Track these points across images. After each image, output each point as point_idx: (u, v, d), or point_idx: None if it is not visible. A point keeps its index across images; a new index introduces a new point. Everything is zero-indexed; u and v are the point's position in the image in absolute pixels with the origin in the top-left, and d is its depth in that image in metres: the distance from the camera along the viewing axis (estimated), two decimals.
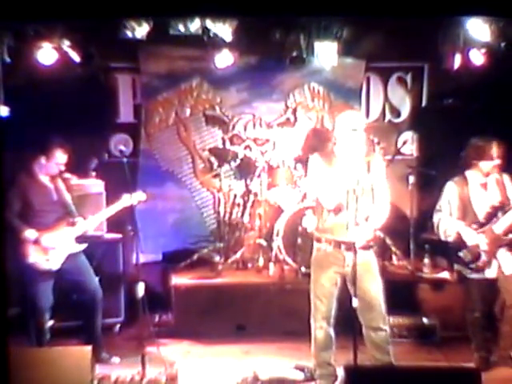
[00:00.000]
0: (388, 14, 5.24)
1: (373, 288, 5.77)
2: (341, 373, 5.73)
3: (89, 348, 5.68)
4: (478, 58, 8.03)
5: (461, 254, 6.50)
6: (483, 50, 7.98)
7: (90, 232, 6.84)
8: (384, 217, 5.83)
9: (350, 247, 5.61)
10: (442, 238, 6.57)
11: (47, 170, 6.70)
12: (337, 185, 5.64)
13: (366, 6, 4.94)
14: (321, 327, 5.86)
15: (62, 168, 6.73)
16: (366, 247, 5.78)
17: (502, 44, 7.77)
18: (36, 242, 6.54)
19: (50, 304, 6.63)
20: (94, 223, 6.81)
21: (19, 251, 6.54)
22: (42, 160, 6.66)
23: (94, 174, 8.02)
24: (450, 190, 6.58)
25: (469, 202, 6.50)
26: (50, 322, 6.66)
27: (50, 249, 6.57)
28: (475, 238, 6.40)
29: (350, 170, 5.64)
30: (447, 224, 6.50)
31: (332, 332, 5.89)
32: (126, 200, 6.65)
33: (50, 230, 6.61)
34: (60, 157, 6.66)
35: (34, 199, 6.62)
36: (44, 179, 6.72)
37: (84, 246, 6.78)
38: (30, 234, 6.53)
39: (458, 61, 8.17)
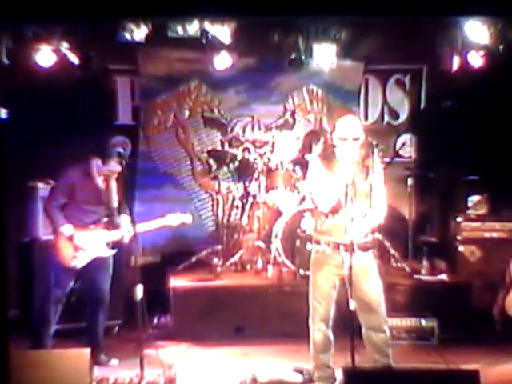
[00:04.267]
0: (386, 14, 5.24)
1: (372, 289, 5.76)
2: (339, 375, 5.70)
3: (87, 350, 5.67)
4: (476, 60, 8.06)
5: None
6: (481, 53, 8.00)
7: (126, 240, 6.72)
8: (381, 218, 5.82)
9: (349, 248, 5.60)
10: None
11: (101, 171, 6.70)
12: (334, 187, 5.65)
13: (364, 6, 4.94)
14: (319, 329, 5.84)
15: (115, 175, 6.69)
16: (365, 248, 5.77)
17: (501, 46, 7.80)
18: (70, 237, 6.56)
19: (64, 299, 6.68)
20: (130, 233, 6.57)
21: (49, 241, 6.59)
22: (99, 161, 6.67)
23: None
24: None
25: None
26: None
27: (80, 248, 6.59)
28: None
29: (348, 173, 5.64)
30: None
31: (331, 334, 5.87)
32: (170, 219, 6.77)
33: (87, 229, 6.64)
34: (113, 165, 6.61)
35: (82, 195, 6.65)
36: (98, 179, 6.70)
37: (113, 251, 6.79)
38: (66, 229, 6.55)
39: (456, 63, 8.20)
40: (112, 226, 6.72)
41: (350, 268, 5.54)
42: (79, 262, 6.64)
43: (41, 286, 6.95)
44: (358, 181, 5.64)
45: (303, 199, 8.21)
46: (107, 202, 6.72)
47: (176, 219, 6.81)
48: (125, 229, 6.67)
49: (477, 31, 7.76)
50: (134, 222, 6.32)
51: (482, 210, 8.41)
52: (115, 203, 6.74)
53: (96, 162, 6.68)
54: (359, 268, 5.61)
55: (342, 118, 5.91)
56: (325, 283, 5.81)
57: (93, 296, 6.80)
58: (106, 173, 6.69)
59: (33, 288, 7.32)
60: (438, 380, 4.63)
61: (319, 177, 5.77)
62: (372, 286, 5.77)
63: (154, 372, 6.16)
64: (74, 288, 6.90)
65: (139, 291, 6.08)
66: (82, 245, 6.61)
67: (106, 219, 6.73)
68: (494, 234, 8.30)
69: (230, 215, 9.01)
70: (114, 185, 6.73)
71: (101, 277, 6.77)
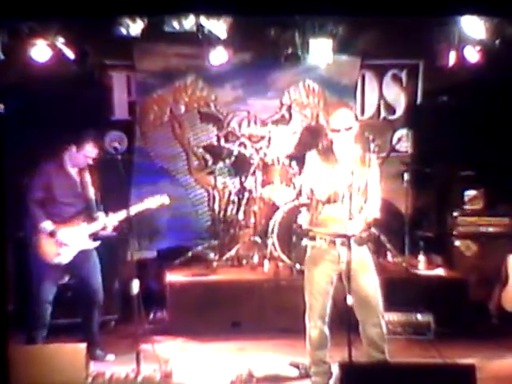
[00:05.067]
0: (382, 14, 5.24)
1: (369, 284, 5.75)
2: (336, 369, 5.70)
3: (83, 345, 5.67)
4: (472, 55, 8.05)
5: None
6: (478, 48, 7.99)
7: (109, 230, 6.79)
8: (376, 212, 5.82)
9: (345, 243, 5.60)
10: None
11: (76, 161, 6.68)
12: (331, 178, 5.66)
13: (360, 5, 4.94)
14: (316, 326, 5.81)
15: (90, 162, 6.70)
16: (361, 243, 5.77)
17: (497, 41, 7.79)
18: (51, 234, 6.54)
19: (52, 297, 6.64)
20: (114, 221, 6.71)
21: (32, 240, 6.56)
22: (73, 149, 6.65)
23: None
24: None
25: None
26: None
27: (63, 243, 6.57)
28: None
29: (345, 167, 5.64)
30: None
31: (327, 330, 5.84)
32: (149, 203, 6.71)
33: (67, 224, 6.61)
34: (90, 150, 6.64)
35: (58, 190, 6.61)
36: (72, 171, 6.70)
37: (97, 243, 6.77)
38: (46, 225, 6.53)
39: (452, 58, 8.18)
40: (91, 217, 6.70)
41: (348, 263, 5.53)
42: (63, 258, 6.61)
43: (32, 285, 6.90)
44: (354, 175, 5.63)
45: (299, 194, 8.21)
46: (84, 195, 6.71)
47: (154, 202, 6.77)
48: (106, 219, 6.68)
49: (473, 26, 7.75)
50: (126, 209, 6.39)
51: (478, 205, 8.42)
52: (92, 195, 6.74)
53: (69, 152, 6.66)
54: (356, 262, 5.60)
55: (335, 111, 5.91)
56: (322, 279, 5.79)
57: (84, 291, 6.77)
58: (81, 161, 6.67)
59: (26, 283, 7.30)
60: (433, 375, 4.62)
61: (317, 170, 5.77)
62: (369, 281, 5.76)
63: (151, 367, 6.16)
64: (68, 284, 6.90)
65: (135, 286, 6.09)
66: (64, 240, 6.58)
67: (84, 211, 6.70)
68: (490, 229, 8.32)
69: (226, 210, 9.01)
70: (88, 177, 6.73)
71: (88, 271, 6.73)
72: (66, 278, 6.82)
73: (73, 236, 6.61)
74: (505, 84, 8.24)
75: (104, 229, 6.74)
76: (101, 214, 6.71)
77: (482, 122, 8.58)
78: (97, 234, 6.75)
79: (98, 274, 6.77)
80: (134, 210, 6.67)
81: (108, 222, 6.70)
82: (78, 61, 7.85)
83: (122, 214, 6.66)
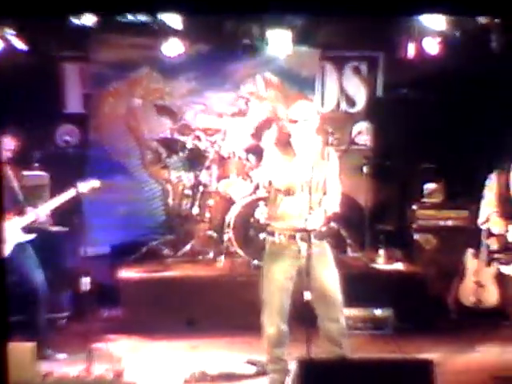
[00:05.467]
0: (340, 13, 5.20)
1: (329, 279, 5.66)
2: (293, 366, 5.60)
3: (32, 344, 5.51)
4: (432, 47, 8.07)
5: (488, 241, 6.64)
6: (438, 39, 8.00)
7: (42, 220, 6.64)
8: (335, 206, 5.73)
9: (305, 237, 5.51)
10: (479, 223, 6.63)
11: None
12: (289, 171, 5.59)
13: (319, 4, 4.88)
14: (274, 323, 5.69)
15: (9, 155, 6.51)
16: (321, 237, 5.67)
17: (457, 33, 7.82)
18: None
19: None
20: (45, 211, 6.59)
21: None
22: None
23: (37, 165, 7.84)
24: (492, 178, 6.54)
25: (506, 192, 6.46)
26: None
27: None
28: (502, 228, 6.41)
29: (303, 160, 5.56)
30: (482, 210, 6.53)
31: (285, 328, 5.73)
32: (80, 188, 6.52)
33: None
34: (7, 143, 6.45)
35: None
36: None
37: (32, 236, 6.60)
38: None
39: (412, 50, 8.17)
40: (21, 210, 6.53)
41: (308, 258, 5.45)
42: None
43: None
44: (313, 168, 5.54)
45: (257, 188, 8.09)
46: (9, 187, 6.51)
47: (85, 186, 6.58)
48: (36, 210, 6.52)
49: (432, 18, 7.74)
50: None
51: (438, 198, 8.42)
52: (17, 187, 6.57)
53: None
54: (316, 257, 5.53)
55: (293, 104, 5.82)
56: (281, 275, 5.67)
57: (26, 287, 6.59)
58: None
59: None
60: (393, 370, 4.55)
61: (275, 163, 5.68)
62: (329, 276, 5.67)
63: (103, 366, 6.03)
64: (11, 280, 6.71)
65: (86, 283, 5.96)
66: None
67: (13, 205, 6.50)
68: (449, 223, 8.34)
69: (180, 205, 8.85)
70: (9, 170, 6.53)
71: (25, 264, 6.57)
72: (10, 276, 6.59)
73: (4, 231, 6.42)
74: (465, 76, 8.24)
75: (36, 220, 6.57)
76: (29, 207, 6.55)
77: (441, 114, 8.56)
78: (31, 226, 6.57)
79: (37, 268, 6.61)
80: (66, 196, 6.52)
81: (39, 212, 6.54)
82: (30, 52, 7.71)
83: (52, 203, 6.54)
